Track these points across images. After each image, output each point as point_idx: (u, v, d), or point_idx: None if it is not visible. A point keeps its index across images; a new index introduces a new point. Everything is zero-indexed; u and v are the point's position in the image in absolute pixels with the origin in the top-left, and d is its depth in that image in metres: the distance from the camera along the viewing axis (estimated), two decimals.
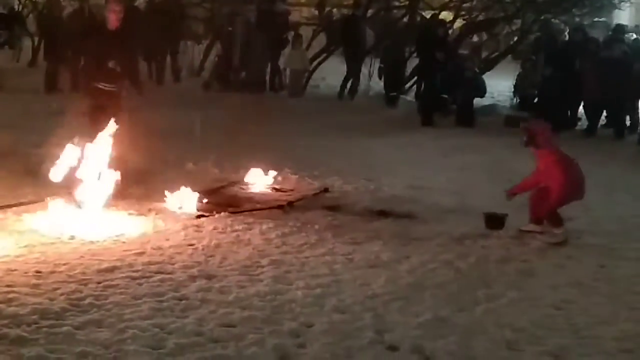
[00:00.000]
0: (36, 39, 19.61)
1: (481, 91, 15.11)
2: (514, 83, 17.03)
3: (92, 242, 6.81)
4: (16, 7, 20.94)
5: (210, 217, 7.79)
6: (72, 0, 18.33)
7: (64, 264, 6.20)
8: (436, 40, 15.41)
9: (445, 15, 19.70)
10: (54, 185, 7.65)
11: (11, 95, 14.66)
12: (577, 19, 18.44)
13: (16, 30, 18.97)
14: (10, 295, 5.48)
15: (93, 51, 9.12)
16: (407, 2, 19.77)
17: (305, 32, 20.55)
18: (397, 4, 20.15)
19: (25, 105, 13.46)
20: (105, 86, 8.98)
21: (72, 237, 6.90)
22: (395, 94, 17.00)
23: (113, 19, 8.98)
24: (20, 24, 19.75)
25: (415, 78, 17.20)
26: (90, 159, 7.64)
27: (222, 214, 7.90)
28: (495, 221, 7.93)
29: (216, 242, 7.01)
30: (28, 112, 12.98)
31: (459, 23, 20.12)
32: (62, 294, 5.59)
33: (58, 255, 6.42)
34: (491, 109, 16.41)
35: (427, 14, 19.66)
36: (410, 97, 17.17)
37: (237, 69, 17.73)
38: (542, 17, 17.79)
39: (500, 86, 18.43)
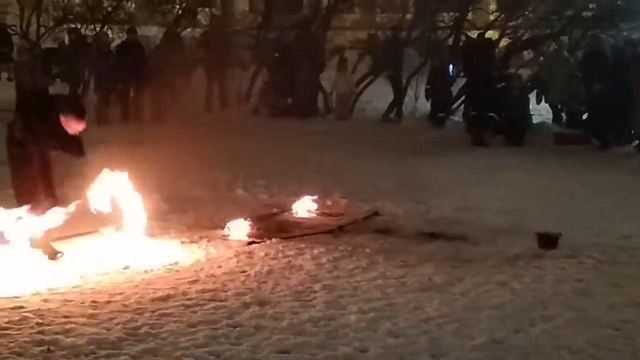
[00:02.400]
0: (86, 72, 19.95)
1: (527, 110, 15.02)
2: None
3: (146, 271, 6.88)
4: (66, 41, 21.36)
5: (262, 243, 7.82)
6: (120, 33, 18.70)
7: (119, 294, 6.27)
8: (484, 60, 15.35)
9: (491, 34, 19.64)
10: (104, 215, 7.73)
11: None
12: (624, 33, 18.22)
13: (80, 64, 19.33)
14: (68, 326, 5.55)
15: None
16: (452, 22, 19.76)
17: (351, 55, 20.63)
18: (441, 24, 20.13)
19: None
20: None
21: (127, 267, 6.98)
22: (442, 114, 16.95)
23: None
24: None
25: (463, 98, 17.13)
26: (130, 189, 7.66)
27: (273, 239, 7.93)
28: (548, 241, 7.82)
29: (268, 268, 7.03)
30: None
31: (504, 42, 20.01)
32: (118, 324, 5.65)
33: (113, 285, 6.50)
34: (540, 127, 16.25)
35: (473, 34, 19.60)
36: (458, 117, 17.10)
37: (284, 94, 17.86)
38: (590, 33, 17.61)
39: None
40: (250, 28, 21.94)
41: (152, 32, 21.36)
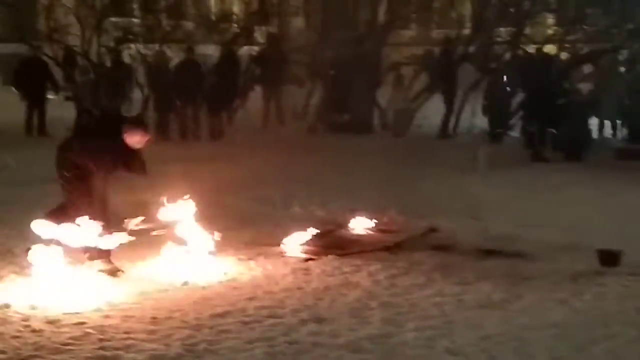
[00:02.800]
0: (146, 91, 20.26)
1: (587, 125, 14.82)
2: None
3: (204, 288, 6.94)
4: (126, 59, 21.73)
5: (318, 260, 7.83)
6: (180, 52, 18.97)
7: (178, 310, 6.33)
8: (542, 75, 15.21)
9: (549, 48, 19.44)
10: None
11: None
12: None
13: (125, 83, 19.66)
14: (128, 342, 5.63)
15: None
16: (509, 37, 19.61)
17: (407, 71, 20.60)
18: (499, 39, 20.00)
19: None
20: None
21: (185, 283, 7.05)
22: (500, 130, 16.81)
23: None
24: (130, 76, 20.48)
25: (521, 113, 16.96)
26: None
27: (330, 256, 7.93)
28: (610, 258, 7.68)
29: (325, 285, 7.04)
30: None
31: (563, 56, 19.79)
32: (177, 340, 5.70)
33: (172, 301, 6.57)
34: (601, 141, 16.03)
35: (530, 48, 19.43)
36: (516, 132, 16.94)
37: (340, 111, 17.91)
38: None
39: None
40: (306, 45, 22.06)
41: (209, 50, 21.59)
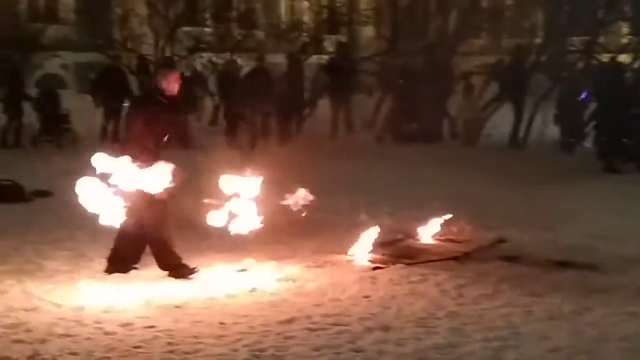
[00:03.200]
0: (216, 99, 20.53)
1: None
2: None
3: (271, 294, 7.01)
4: (198, 68, 22.07)
5: (386, 268, 7.83)
6: (250, 61, 19.19)
7: (246, 316, 6.40)
8: (615, 84, 14.94)
9: (624, 58, 19.07)
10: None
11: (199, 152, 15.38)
12: None
13: (197, 91, 19.97)
14: (197, 346, 5.72)
15: None
16: (582, 46, 19.31)
17: (477, 80, 20.44)
18: (572, 48, 19.70)
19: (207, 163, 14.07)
20: None
21: (254, 290, 7.13)
22: (572, 139, 16.55)
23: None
24: (202, 85, 20.81)
25: (594, 123, 16.65)
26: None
27: (397, 265, 7.92)
28: None
29: (392, 294, 7.03)
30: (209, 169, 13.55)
31: (638, 65, 19.37)
32: (244, 345, 5.77)
33: (240, 307, 6.65)
34: None
35: (604, 58, 19.09)
36: (589, 142, 16.66)
37: (409, 120, 17.87)
38: None
39: None
40: (375, 54, 22.09)
41: (278, 59, 21.79)
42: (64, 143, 16.79)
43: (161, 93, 7.65)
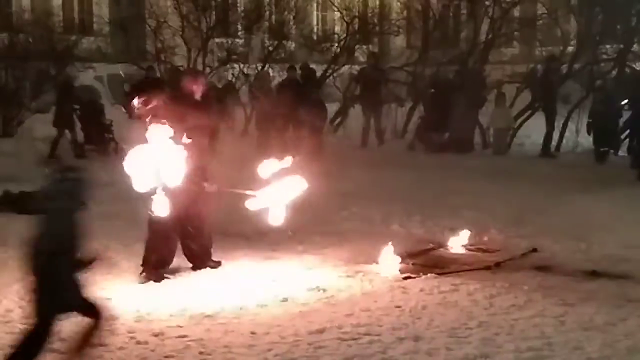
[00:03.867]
0: (248, 109, 20.62)
1: None
2: None
3: (302, 304, 7.02)
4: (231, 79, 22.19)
5: (417, 278, 7.81)
6: (282, 72, 19.26)
7: (277, 325, 6.42)
8: None
9: None
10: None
11: (228, 161, 15.46)
12: None
13: (228, 102, 20.07)
14: (228, 356, 5.75)
15: None
16: (615, 54, 19.16)
17: (509, 89, 20.35)
18: (605, 56, 19.55)
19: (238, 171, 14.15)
20: None
21: (285, 299, 7.15)
22: (605, 149, 16.40)
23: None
24: (233, 95, 20.92)
25: (628, 132, 16.51)
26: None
27: (429, 275, 7.90)
28: None
29: (423, 304, 7.01)
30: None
31: None
32: (275, 355, 5.79)
33: (271, 317, 6.67)
34: None
35: (637, 66, 18.93)
36: (623, 151, 16.50)
37: (441, 129, 17.83)
38: None
39: None
40: (407, 64, 22.07)
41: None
42: (109, 152, 17.06)
43: (187, 95, 7.94)
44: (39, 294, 5.15)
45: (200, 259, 8.12)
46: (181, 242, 8.12)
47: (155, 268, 7.84)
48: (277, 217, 7.75)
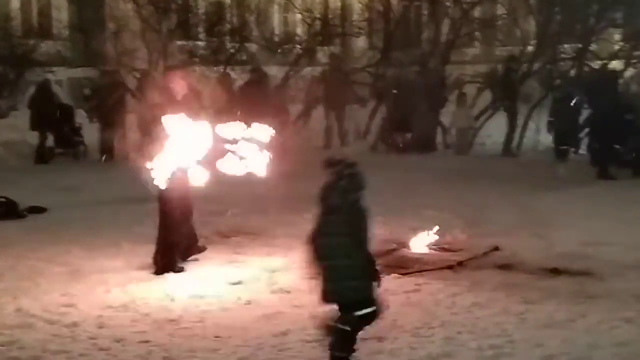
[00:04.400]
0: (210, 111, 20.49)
1: None
2: None
3: (267, 307, 7.01)
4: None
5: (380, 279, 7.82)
6: (243, 73, 19.20)
7: (241, 329, 6.41)
8: (607, 91, 14.98)
9: (615, 64, 19.14)
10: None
11: None
12: None
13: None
14: None
15: None
16: (574, 54, 19.38)
17: (470, 89, 20.49)
18: (564, 56, 19.77)
19: None
20: None
21: (249, 302, 7.14)
22: (565, 147, 16.58)
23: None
24: (196, 98, 20.77)
25: (587, 130, 16.70)
26: None
27: (392, 275, 7.93)
28: None
29: (386, 304, 7.02)
30: None
31: (630, 72, 19.45)
32: (239, 358, 5.80)
33: (235, 320, 6.65)
34: None
35: (596, 65, 19.17)
36: (583, 149, 16.69)
37: (403, 130, 17.90)
38: None
39: None
40: (369, 65, 22.13)
41: (272, 71, 21.82)
42: (79, 156, 16.94)
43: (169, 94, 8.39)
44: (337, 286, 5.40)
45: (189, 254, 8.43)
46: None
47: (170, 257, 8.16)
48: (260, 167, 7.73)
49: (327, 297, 5.44)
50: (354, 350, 5.44)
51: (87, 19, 22.61)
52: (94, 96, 18.42)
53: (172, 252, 8.21)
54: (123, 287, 7.55)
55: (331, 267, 5.43)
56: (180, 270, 8.15)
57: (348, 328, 5.35)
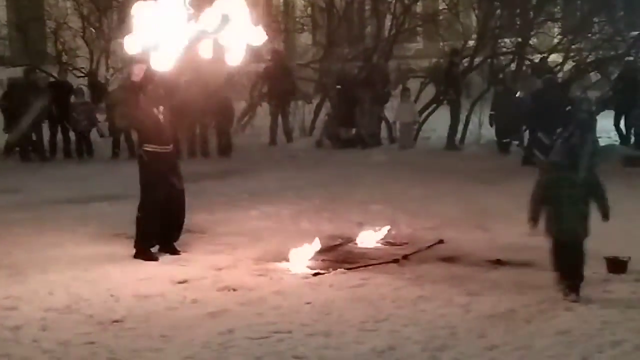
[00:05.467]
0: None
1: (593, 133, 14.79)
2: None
3: (212, 305, 6.98)
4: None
5: (326, 274, 7.88)
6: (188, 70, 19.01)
7: (187, 327, 6.38)
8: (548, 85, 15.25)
9: (555, 57, 19.47)
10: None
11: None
12: None
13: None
14: None
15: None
16: (514, 48, 19.67)
17: (414, 84, 20.66)
18: (504, 49, 20.05)
19: None
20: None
21: (194, 301, 7.10)
22: (507, 140, 16.82)
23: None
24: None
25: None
26: None
27: (338, 270, 7.98)
28: (617, 265, 7.72)
29: (332, 299, 7.07)
30: None
31: (569, 65, 19.82)
32: (185, 357, 5.77)
33: (181, 319, 6.61)
34: (610, 149, 15.98)
35: (536, 58, 19.48)
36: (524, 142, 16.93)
37: (347, 125, 17.98)
38: None
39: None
40: (312, 61, 22.17)
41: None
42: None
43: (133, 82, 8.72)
44: None
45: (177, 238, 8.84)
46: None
47: (146, 248, 8.55)
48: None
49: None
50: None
51: (26, 17, 22.24)
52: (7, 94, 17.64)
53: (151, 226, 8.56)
54: (66, 289, 7.46)
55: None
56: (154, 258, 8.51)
57: None
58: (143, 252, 8.52)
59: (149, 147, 8.55)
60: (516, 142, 16.64)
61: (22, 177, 14.30)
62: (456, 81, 17.91)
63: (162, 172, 8.56)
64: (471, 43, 20.29)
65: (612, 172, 13.45)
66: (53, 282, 7.65)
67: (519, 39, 19.49)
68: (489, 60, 19.70)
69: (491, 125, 17.44)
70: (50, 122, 17.09)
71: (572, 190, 7.07)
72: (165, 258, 8.58)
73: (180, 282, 7.64)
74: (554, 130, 14.06)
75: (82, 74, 20.91)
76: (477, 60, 19.38)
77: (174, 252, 8.72)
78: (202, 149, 17.03)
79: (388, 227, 9.52)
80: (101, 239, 9.32)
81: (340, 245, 9.17)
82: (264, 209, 11.05)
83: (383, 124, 18.59)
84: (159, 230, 8.64)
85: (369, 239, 9.30)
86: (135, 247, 8.61)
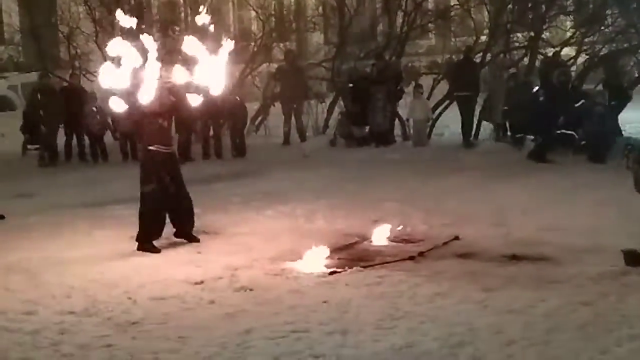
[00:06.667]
0: None
1: (612, 126, 14.74)
2: None
3: (229, 305, 7.00)
4: None
5: (343, 273, 7.88)
6: None
7: (204, 328, 6.40)
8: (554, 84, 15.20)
9: (568, 51, 19.38)
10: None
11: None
12: None
13: None
14: None
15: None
16: (526, 42, 19.60)
17: (427, 81, 20.61)
18: (516, 44, 19.98)
19: None
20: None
21: (212, 302, 7.12)
22: (521, 135, 16.75)
23: None
24: None
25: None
26: None
27: (354, 269, 7.97)
28: (635, 258, 7.68)
29: (349, 298, 7.07)
30: None
31: (582, 58, 19.73)
32: (204, 358, 5.78)
33: (198, 320, 6.64)
34: (627, 142, 15.87)
35: (549, 52, 19.39)
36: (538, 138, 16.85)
37: (361, 123, 17.97)
38: None
39: (632, 118, 17.79)
40: (325, 60, 22.17)
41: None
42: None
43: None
44: None
45: (190, 224, 9.35)
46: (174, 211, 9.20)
47: (147, 241, 8.94)
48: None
49: None
50: None
51: (39, 23, 22.30)
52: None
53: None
54: (84, 292, 7.49)
55: None
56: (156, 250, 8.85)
57: None
58: (145, 245, 8.93)
59: (152, 147, 9.11)
60: (531, 138, 16.56)
61: (37, 181, 14.36)
62: (473, 78, 17.80)
63: (161, 169, 9.12)
64: (483, 38, 20.25)
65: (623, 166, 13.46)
66: (70, 285, 7.68)
67: (532, 33, 19.41)
68: (501, 55, 19.61)
69: (504, 121, 17.37)
70: (65, 126, 17.22)
71: None
72: (181, 258, 8.60)
73: (196, 283, 7.66)
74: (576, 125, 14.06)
75: (95, 78, 20.92)
76: (489, 55, 19.29)
77: (191, 239, 9.26)
78: (216, 151, 17.06)
79: (403, 225, 9.51)
80: (117, 242, 9.35)
81: (355, 243, 9.17)
82: (279, 208, 11.07)
83: (397, 122, 18.56)
84: (161, 224, 9.15)
85: (384, 236, 9.29)
86: (137, 240, 9.00)
